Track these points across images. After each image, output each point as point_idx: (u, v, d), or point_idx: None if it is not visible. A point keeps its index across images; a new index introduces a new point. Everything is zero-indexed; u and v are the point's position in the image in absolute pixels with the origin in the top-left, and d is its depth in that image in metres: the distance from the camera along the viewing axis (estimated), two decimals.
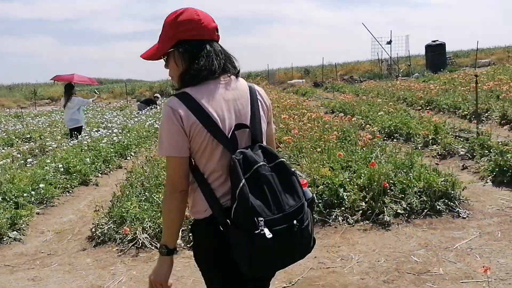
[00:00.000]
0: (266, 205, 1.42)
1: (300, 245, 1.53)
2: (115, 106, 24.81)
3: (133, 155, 8.81)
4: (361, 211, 4.35)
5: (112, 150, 8.33)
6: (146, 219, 4.24)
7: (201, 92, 1.53)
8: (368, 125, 8.55)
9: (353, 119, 8.03)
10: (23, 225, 4.80)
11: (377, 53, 29.55)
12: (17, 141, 12.32)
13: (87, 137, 9.08)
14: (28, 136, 13.14)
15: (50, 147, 8.63)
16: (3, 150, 9.66)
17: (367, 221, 4.24)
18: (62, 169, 6.64)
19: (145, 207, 4.48)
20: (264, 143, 1.59)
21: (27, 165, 7.06)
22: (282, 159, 1.53)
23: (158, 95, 22.69)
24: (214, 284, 1.63)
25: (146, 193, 4.83)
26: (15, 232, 4.60)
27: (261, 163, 1.47)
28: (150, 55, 1.62)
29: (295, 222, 1.47)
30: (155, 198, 4.60)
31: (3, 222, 4.49)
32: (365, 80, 26.57)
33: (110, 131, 10.19)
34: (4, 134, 13.42)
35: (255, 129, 1.59)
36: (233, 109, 1.56)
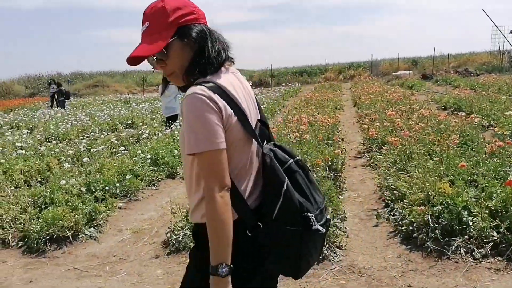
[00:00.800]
0: (308, 201, 1.41)
1: (325, 241, 1.63)
2: None
3: None
4: (491, 244, 3.37)
5: None
6: None
7: (224, 81, 1.39)
8: (491, 127, 7.22)
9: (475, 119, 6.76)
10: (102, 221, 4.58)
11: (498, 43, 26.57)
12: (120, 127, 12.76)
13: (179, 126, 8.93)
14: (130, 122, 13.60)
15: (144, 135, 8.62)
16: (102, 136, 9.92)
17: (500, 258, 3.26)
18: (149, 161, 6.45)
19: None
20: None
21: (118, 154, 7.00)
22: (299, 157, 1.50)
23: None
24: None
25: None
26: (92, 229, 4.37)
27: (291, 160, 1.45)
28: (148, 51, 1.37)
29: (328, 217, 1.49)
30: None
31: (79, 218, 4.27)
32: (482, 73, 23.86)
33: None
34: (109, 119, 14.06)
35: (267, 126, 1.53)
36: (250, 102, 1.48)
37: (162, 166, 6.47)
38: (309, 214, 1.37)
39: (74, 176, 5.49)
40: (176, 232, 3.93)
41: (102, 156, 6.88)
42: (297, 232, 1.38)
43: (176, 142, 7.74)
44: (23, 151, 7.89)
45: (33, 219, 4.34)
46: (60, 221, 4.18)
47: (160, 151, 6.75)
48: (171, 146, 7.26)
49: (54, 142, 9.11)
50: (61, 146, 8.28)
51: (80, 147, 8.05)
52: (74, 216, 4.29)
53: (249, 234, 1.38)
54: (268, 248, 1.43)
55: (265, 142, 1.50)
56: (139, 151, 6.84)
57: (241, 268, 1.38)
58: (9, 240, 4.20)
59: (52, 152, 7.75)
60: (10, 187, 5.53)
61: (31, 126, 13.74)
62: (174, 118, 9.34)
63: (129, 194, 5.50)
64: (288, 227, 1.37)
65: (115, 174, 5.68)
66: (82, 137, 10.17)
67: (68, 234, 4.14)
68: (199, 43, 1.40)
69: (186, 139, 1.33)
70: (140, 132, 9.50)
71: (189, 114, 1.32)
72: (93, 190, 5.20)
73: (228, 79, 1.42)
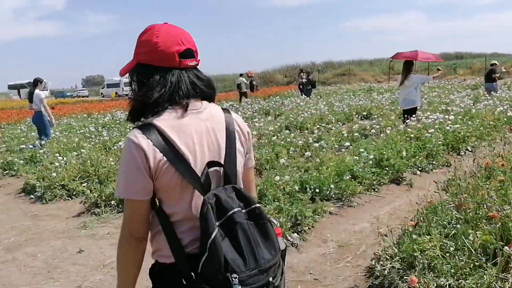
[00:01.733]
0: (242, 259, 1.23)
1: None
2: (468, 84, 22.21)
3: (469, 150, 7.00)
4: None
5: (440, 141, 6.81)
6: (447, 271, 2.77)
7: (168, 122, 1.32)
8: None
9: None
10: (307, 227, 4.19)
11: None
12: (356, 118, 12.37)
13: (414, 122, 7.86)
14: (366, 113, 13.05)
15: (373, 130, 7.94)
16: (333, 128, 9.68)
17: None
18: (371, 162, 5.75)
19: (450, 249, 2.97)
20: (240, 184, 1.41)
21: (342, 150, 6.55)
22: (258, 205, 1.33)
23: (495, 62, 15.25)
24: None
25: (458, 225, 3.26)
26: (295, 234, 4.01)
27: (236, 209, 1.28)
28: (122, 70, 1.43)
29: (271, 279, 1.29)
30: (466, 237, 2.99)
31: (284, 221, 3.97)
32: None
33: (446, 116, 8.59)
34: (346, 109, 13.82)
35: (230, 167, 1.38)
36: (206, 143, 1.36)
37: (386, 168, 5.69)
38: (233, 275, 1.19)
39: (290, 173, 5.31)
40: (382, 262, 3.19)
41: (325, 150, 6.57)
42: None
43: (408, 141, 6.78)
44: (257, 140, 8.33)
45: None
46: None
47: (386, 151, 5.97)
48: (399, 145, 6.37)
49: (287, 131, 9.36)
50: (292, 136, 8.40)
51: (309, 138, 7.99)
52: (279, 218, 4.04)
53: (184, 282, 1.27)
54: None
55: (217, 185, 1.34)
56: (362, 149, 6.21)
57: None
58: None
59: (282, 142, 7.91)
60: None
61: (278, 113, 14.73)
62: (412, 111, 8.40)
63: (343, 198, 4.97)
64: (207, 284, 1.21)
65: (332, 174, 5.24)
66: (318, 127, 10.21)
67: None
68: (140, 84, 1.38)
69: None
70: (369, 126, 8.83)
71: (121, 155, 1.33)
72: (307, 189, 4.89)
73: (177, 118, 1.33)
